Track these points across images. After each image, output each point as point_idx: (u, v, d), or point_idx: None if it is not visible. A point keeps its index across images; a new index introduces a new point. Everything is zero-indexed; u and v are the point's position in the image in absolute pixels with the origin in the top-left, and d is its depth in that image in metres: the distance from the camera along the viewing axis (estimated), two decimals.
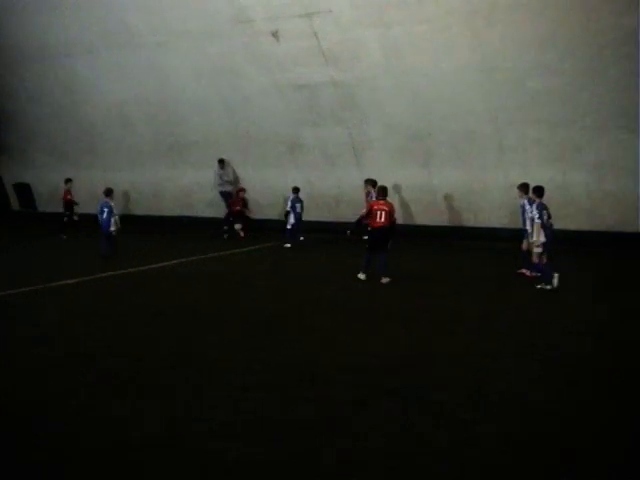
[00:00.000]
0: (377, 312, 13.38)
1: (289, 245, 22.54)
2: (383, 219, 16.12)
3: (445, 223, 22.93)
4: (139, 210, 29.14)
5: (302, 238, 23.06)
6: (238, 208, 25.82)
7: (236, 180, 26.91)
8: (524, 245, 16.30)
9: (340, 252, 21.37)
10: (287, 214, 23.02)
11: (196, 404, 8.46)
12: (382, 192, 16.75)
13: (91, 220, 22.01)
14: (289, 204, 23.06)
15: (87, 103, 28.58)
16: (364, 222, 17.14)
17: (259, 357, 10.31)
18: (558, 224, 16.62)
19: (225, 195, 26.61)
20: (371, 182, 21.18)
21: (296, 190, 23.27)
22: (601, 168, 20.47)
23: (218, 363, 10.07)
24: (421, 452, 7.06)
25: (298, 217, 22.97)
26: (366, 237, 18.11)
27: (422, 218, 23.23)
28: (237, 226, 25.59)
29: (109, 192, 20.57)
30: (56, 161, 30.68)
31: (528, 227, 15.82)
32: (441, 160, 22.58)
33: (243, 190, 26.14)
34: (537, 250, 15.18)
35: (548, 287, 14.94)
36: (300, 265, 19.53)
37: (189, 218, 28.11)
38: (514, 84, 20.50)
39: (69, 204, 26.62)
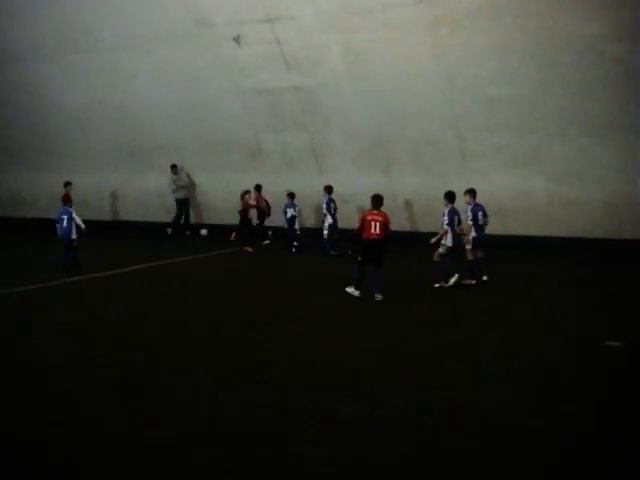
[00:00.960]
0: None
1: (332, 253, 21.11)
2: (378, 230, 14.77)
3: (406, 229, 22.90)
4: (101, 215, 28.87)
5: (267, 242, 23.16)
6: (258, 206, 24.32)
7: (192, 185, 26.91)
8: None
9: (308, 258, 21.28)
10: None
11: (155, 411, 8.39)
12: (376, 201, 15.20)
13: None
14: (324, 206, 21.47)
15: (51, 107, 28.23)
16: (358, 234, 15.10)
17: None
18: (520, 230, 16.77)
19: (179, 202, 26.50)
20: (327, 189, 21.36)
21: (291, 195, 22.40)
22: (562, 175, 20.60)
23: (180, 366, 10.02)
24: None
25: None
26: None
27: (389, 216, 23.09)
28: (203, 231, 25.47)
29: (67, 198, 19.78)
30: (18, 164, 30.30)
31: (474, 234, 16.16)
32: (402, 166, 22.61)
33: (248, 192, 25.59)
34: (467, 247, 16.06)
35: (447, 284, 15.84)
36: (260, 271, 19.37)
37: (151, 223, 27.85)
38: (476, 91, 20.56)
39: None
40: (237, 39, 22.73)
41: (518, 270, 17.96)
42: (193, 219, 27.29)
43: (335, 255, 20.85)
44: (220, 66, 23.82)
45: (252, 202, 23.17)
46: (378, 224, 14.82)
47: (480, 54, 20.09)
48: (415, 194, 22.63)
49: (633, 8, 18.01)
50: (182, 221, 26.84)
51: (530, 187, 21.01)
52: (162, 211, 27.56)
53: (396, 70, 21.23)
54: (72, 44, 26.01)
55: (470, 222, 16.11)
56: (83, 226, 18.83)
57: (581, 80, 19.36)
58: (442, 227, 15.91)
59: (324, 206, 21.67)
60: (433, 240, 16.05)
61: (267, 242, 23.99)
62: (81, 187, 26.79)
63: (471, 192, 16.37)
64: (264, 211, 24.32)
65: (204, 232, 25.62)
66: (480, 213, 16.15)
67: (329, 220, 21.41)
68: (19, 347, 11.39)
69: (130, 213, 28.52)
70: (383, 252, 14.90)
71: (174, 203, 26.68)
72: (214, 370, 9.99)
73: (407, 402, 8.65)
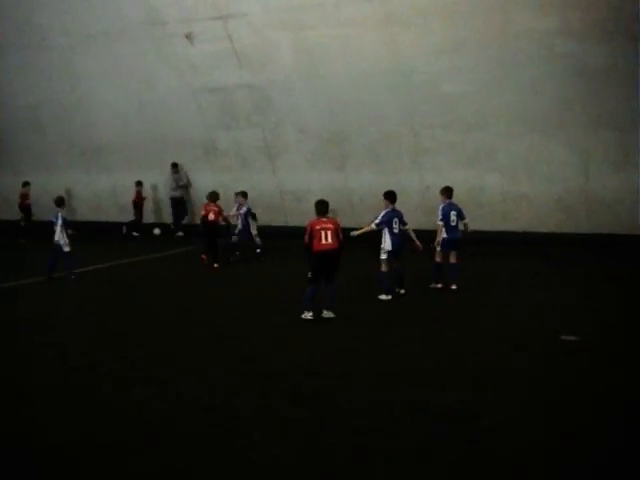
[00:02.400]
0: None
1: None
2: (330, 239, 12.94)
3: (362, 226, 22.77)
4: (52, 215, 28.41)
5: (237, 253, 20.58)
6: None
7: (189, 185, 26.13)
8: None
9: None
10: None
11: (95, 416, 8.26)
12: (322, 207, 13.43)
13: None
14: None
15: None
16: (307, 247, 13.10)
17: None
18: (473, 225, 16.73)
19: (176, 201, 25.96)
20: (242, 194, 20.42)
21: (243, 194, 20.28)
22: (515, 171, 20.72)
23: (132, 367, 9.87)
24: None
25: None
26: None
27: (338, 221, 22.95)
28: (155, 230, 25.26)
29: (60, 201, 18.33)
30: None
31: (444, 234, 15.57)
32: (357, 163, 22.57)
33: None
34: (437, 248, 15.63)
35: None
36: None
37: (101, 223, 27.41)
38: (429, 88, 20.63)
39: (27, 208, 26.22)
40: (189, 36, 22.54)
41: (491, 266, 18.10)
42: (151, 219, 26.95)
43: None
44: (171, 64, 23.62)
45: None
46: (329, 232, 13.00)
47: (434, 51, 20.14)
48: (370, 191, 22.54)
49: (581, 5, 18.23)
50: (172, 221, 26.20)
51: (483, 183, 21.11)
52: (115, 210, 27.22)
53: (350, 67, 21.21)
54: (21, 41, 25.61)
55: (439, 222, 15.36)
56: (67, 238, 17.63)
57: (531, 77, 19.56)
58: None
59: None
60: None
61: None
62: (32, 188, 26.44)
63: (443, 190, 15.75)
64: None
65: (157, 231, 25.32)
66: (453, 213, 15.42)
67: (240, 225, 20.03)
68: None
69: (80, 214, 27.96)
70: (338, 265, 13.08)
71: (126, 203, 26.33)
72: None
73: (361, 401, 8.59)
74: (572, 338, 11.16)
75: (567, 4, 18.46)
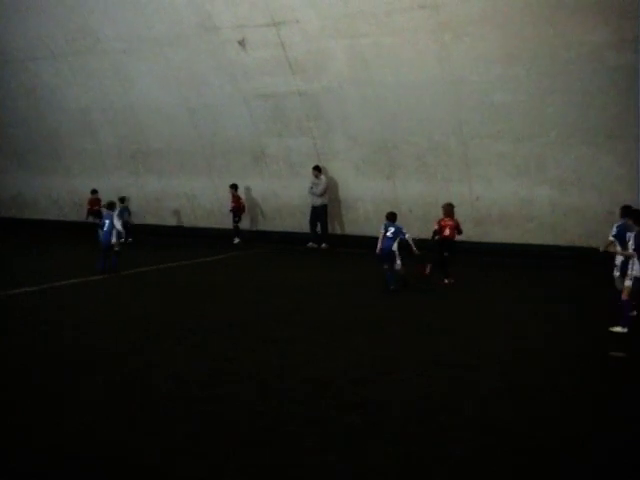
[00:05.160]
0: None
1: None
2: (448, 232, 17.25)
3: (412, 235, 22.73)
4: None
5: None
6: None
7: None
8: None
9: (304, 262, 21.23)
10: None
11: (147, 418, 8.35)
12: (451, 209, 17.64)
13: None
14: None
15: (50, 108, 28.18)
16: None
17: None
18: (522, 238, 16.69)
19: (318, 209, 23.86)
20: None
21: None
22: (565, 183, 20.54)
23: (177, 372, 9.97)
24: None
25: None
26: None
27: None
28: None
29: (118, 202, 20.04)
30: (17, 166, 30.25)
31: None
32: (406, 172, 22.51)
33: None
34: None
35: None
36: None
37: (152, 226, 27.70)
38: (480, 97, 20.54)
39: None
40: (242, 42, 22.69)
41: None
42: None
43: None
44: (224, 70, 23.78)
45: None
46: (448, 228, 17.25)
47: (484, 60, 20.08)
48: (418, 200, 22.51)
49: (634, 16, 18.05)
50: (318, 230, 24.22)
51: (533, 195, 20.93)
52: (168, 213, 27.51)
53: (400, 75, 21.21)
54: (73, 45, 26.02)
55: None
56: (123, 231, 19.14)
57: (582, 88, 19.36)
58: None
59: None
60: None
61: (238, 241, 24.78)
62: (82, 189, 26.84)
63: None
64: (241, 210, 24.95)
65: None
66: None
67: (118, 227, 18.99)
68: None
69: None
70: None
71: (179, 206, 26.56)
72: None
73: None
74: (621, 354, 11.06)
75: (618, 15, 18.30)
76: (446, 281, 17.37)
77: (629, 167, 19.64)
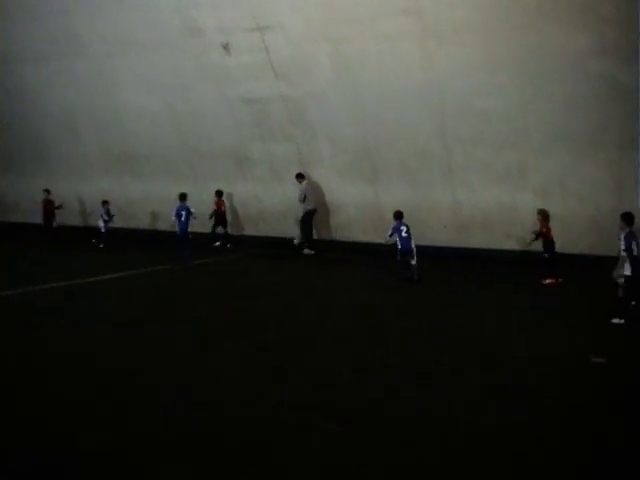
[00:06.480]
0: None
1: None
2: None
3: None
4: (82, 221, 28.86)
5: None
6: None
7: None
8: None
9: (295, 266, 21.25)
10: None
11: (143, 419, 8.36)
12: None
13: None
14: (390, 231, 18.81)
15: (34, 111, 28.18)
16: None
17: None
18: (505, 244, 16.74)
19: (309, 213, 23.79)
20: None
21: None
22: (547, 189, 20.58)
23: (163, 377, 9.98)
24: None
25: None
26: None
27: (369, 235, 22.95)
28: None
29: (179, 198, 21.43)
30: (0, 169, 30.18)
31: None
32: (389, 177, 22.52)
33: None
34: None
35: None
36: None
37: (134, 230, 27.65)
38: (463, 104, 20.55)
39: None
40: (226, 47, 22.69)
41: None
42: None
43: None
44: (208, 74, 23.78)
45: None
46: None
47: (468, 67, 20.11)
48: (401, 206, 22.47)
49: (617, 24, 18.14)
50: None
51: (515, 201, 20.97)
52: (148, 217, 27.43)
53: (384, 81, 21.21)
54: (57, 48, 25.97)
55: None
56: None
57: (565, 95, 19.37)
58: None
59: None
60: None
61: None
62: (66, 193, 26.76)
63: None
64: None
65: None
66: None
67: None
68: None
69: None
70: None
71: (160, 211, 26.48)
72: None
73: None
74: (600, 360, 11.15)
75: (600, 24, 18.37)
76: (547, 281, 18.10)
77: (611, 174, 19.69)
